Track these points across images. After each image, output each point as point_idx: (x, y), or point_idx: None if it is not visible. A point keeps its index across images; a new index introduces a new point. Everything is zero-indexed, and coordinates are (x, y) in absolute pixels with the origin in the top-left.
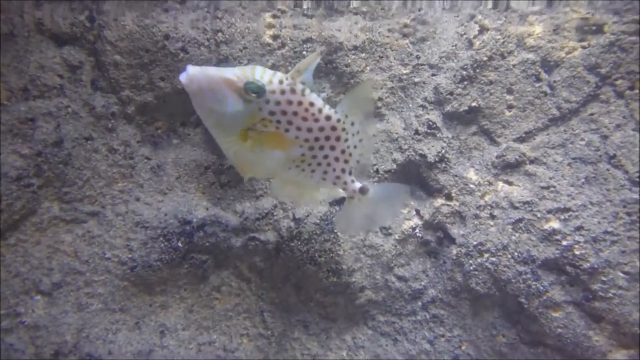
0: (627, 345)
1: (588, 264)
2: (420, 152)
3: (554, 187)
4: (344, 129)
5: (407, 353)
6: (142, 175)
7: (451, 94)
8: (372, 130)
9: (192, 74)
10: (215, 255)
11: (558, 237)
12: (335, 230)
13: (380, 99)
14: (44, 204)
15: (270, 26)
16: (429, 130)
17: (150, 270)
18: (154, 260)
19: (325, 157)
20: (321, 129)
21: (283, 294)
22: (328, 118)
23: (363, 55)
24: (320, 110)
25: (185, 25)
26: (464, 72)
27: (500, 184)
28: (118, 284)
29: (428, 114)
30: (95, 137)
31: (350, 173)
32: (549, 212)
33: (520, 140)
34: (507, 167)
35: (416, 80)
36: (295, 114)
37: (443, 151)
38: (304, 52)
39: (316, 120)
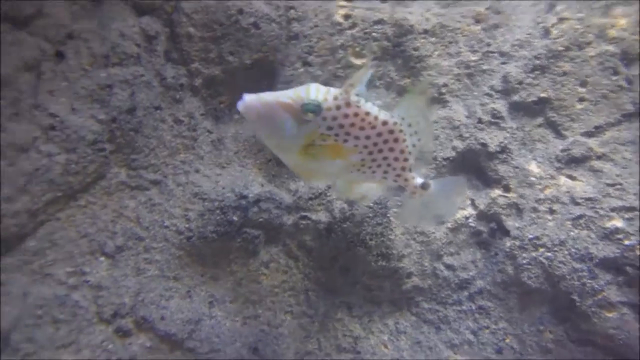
0: None
1: None
2: (482, 141)
3: (621, 184)
4: (401, 131)
5: (449, 342)
6: (203, 147)
7: (520, 83)
8: (430, 129)
9: (248, 102)
10: (267, 232)
11: (620, 236)
12: (388, 215)
13: (445, 85)
14: (113, 169)
15: (342, 6)
16: (492, 120)
17: (205, 242)
18: (209, 232)
19: (385, 158)
20: (379, 135)
21: (330, 275)
22: (384, 123)
23: (433, 39)
24: (376, 118)
25: (259, 1)
26: (537, 62)
27: (563, 178)
28: (174, 253)
29: (494, 102)
30: (164, 107)
31: (410, 170)
32: (613, 210)
33: (589, 134)
34: (572, 162)
35: (484, 67)
36: (352, 125)
37: (505, 141)
38: (374, 34)
39: (373, 127)
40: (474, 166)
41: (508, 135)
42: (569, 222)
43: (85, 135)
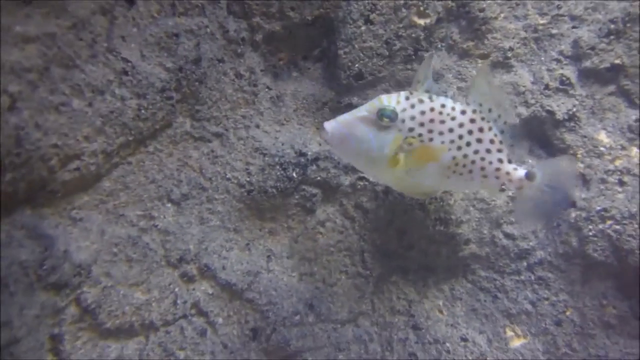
0: None
1: None
2: (549, 108)
3: None
4: (483, 118)
5: (506, 311)
6: (263, 103)
7: (593, 48)
8: (512, 114)
9: (330, 127)
10: (324, 190)
11: None
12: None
13: (510, 49)
14: (179, 119)
15: None
16: (560, 86)
17: (265, 196)
18: (269, 187)
19: (476, 152)
20: (461, 125)
21: (385, 237)
22: (463, 112)
23: (499, 0)
24: (453, 109)
25: None
26: (612, 26)
27: (635, 149)
28: (235, 205)
29: (562, 68)
30: (226, 60)
31: (509, 161)
32: None
33: None
34: None
35: (554, 31)
36: (431, 121)
37: (574, 109)
38: None
39: (453, 118)
40: (538, 134)
41: (577, 102)
42: (639, 195)
43: (155, 82)
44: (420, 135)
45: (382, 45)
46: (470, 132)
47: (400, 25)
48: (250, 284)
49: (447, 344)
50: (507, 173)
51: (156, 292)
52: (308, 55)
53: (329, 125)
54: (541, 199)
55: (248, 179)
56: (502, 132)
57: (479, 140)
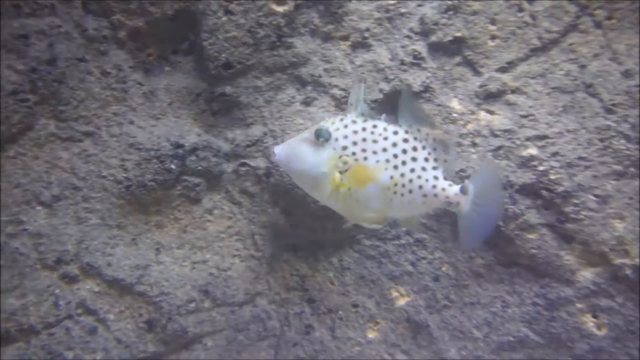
0: (595, 264)
1: (562, 188)
2: (406, 81)
3: (533, 115)
4: (415, 138)
5: (390, 274)
6: (135, 99)
7: (436, 24)
8: (439, 131)
9: (278, 150)
10: (207, 179)
11: (535, 163)
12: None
13: (367, 29)
14: (41, 121)
15: None
16: (414, 61)
17: (144, 190)
18: (148, 181)
19: (412, 170)
20: (394, 145)
21: (273, 218)
22: (396, 133)
23: None
24: (385, 129)
25: None
26: (449, 2)
27: (482, 113)
28: (114, 202)
29: (414, 44)
30: (89, 59)
31: (445, 178)
32: (528, 139)
33: (502, 70)
34: (489, 97)
35: (402, 10)
36: (364, 140)
37: (428, 81)
38: None
39: (385, 138)
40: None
41: (430, 75)
42: (489, 154)
43: (4, 85)
44: (354, 153)
45: (246, 34)
46: (404, 152)
47: (260, 14)
48: (139, 278)
49: (340, 312)
50: (444, 189)
51: (32, 296)
52: (177, 49)
53: (277, 148)
54: (478, 211)
55: (125, 175)
56: (434, 149)
57: (414, 159)
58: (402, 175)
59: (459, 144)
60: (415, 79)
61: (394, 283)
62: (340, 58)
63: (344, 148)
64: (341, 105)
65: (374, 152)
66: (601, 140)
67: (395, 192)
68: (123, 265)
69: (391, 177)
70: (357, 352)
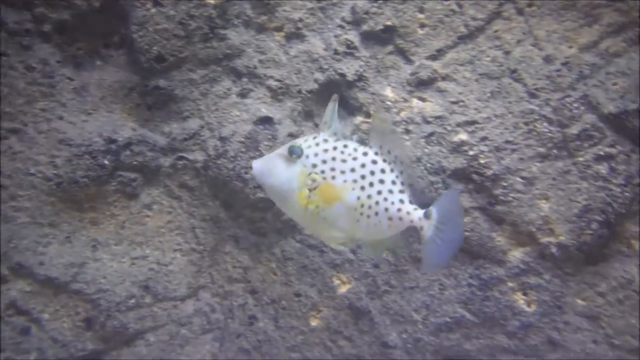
0: (524, 244)
1: (491, 172)
2: (340, 71)
3: (463, 101)
4: (384, 160)
5: (332, 262)
6: (64, 94)
7: (367, 13)
8: (408, 154)
9: (255, 165)
10: (144, 174)
11: (466, 148)
12: (260, 148)
13: (300, 19)
14: None
15: None
16: (347, 50)
17: (76, 187)
18: (80, 177)
19: (379, 192)
20: (363, 166)
21: (213, 211)
22: (365, 154)
23: None
24: (355, 149)
25: None
26: None
27: (415, 100)
28: (45, 199)
29: (346, 34)
30: (11, 53)
31: (410, 202)
32: (458, 125)
33: (432, 58)
34: (421, 84)
35: (334, 0)
36: (333, 159)
37: (361, 70)
38: None
39: (354, 158)
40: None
41: (363, 64)
42: (422, 140)
43: None
44: (322, 172)
45: (177, 26)
46: (372, 173)
47: (191, 5)
48: (75, 276)
49: (283, 302)
50: (408, 213)
51: None
52: (109, 43)
53: (255, 162)
54: (441, 236)
55: (55, 172)
56: (401, 172)
57: (381, 181)
58: (369, 196)
59: (394, 132)
60: (349, 68)
61: (335, 271)
62: (275, 49)
63: (314, 166)
64: (278, 96)
65: (342, 172)
66: (526, 123)
67: (361, 213)
68: (56, 264)
69: (358, 198)
70: (300, 340)
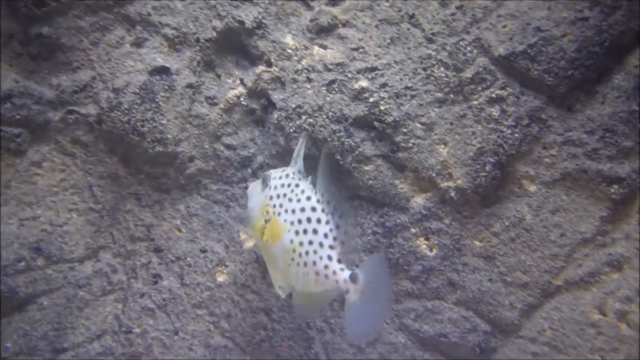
0: (425, 189)
1: (391, 118)
2: (239, 18)
3: (363, 48)
4: (323, 210)
5: (238, 217)
6: None
7: None
8: (348, 209)
9: (249, 185)
10: (31, 129)
11: (366, 95)
12: (157, 100)
13: None
14: None
15: None
16: None
17: None
18: None
19: (310, 243)
20: (302, 210)
21: (111, 168)
22: (308, 199)
23: None
24: (303, 191)
25: None
26: None
27: (316, 47)
28: None
29: None
30: None
31: (339, 261)
32: (359, 72)
33: (332, 3)
34: (321, 31)
35: None
36: (284, 195)
37: (260, 17)
38: None
39: (298, 200)
40: (238, 45)
41: (262, 10)
42: (324, 88)
43: None
44: (274, 206)
45: None
46: (309, 220)
47: None
48: None
49: (189, 259)
50: (334, 272)
51: None
52: None
53: (250, 184)
54: (366, 305)
55: None
56: (337, 227)
57: (315, 231)
58: (301, 243)
59: (295, 80)
60: (248, 15)
61: (242, 226)
62: None
63: (271, 198)
64: (175, 45)
65: (286, 211)
66: (424, 69)
67: (292, 259)
68: None
69: (291, 241)
70: (207, 297)
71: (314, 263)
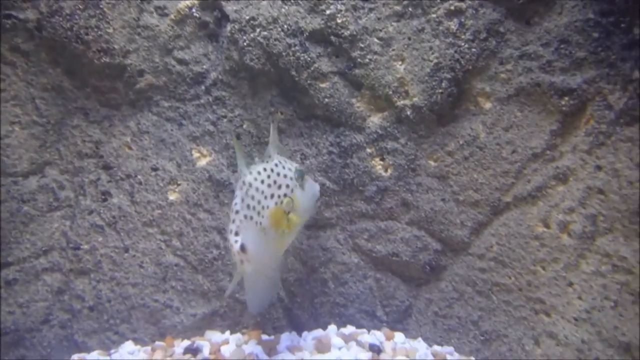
0: (381, 108)
1: (348, 32)
2: None
3: None
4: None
5: (191, 135)
6: None
7: None
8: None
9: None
10: None
11: (323, 7)
12: (102, 6)
13: None
14: None
15: None
16: None
17: None
18: None
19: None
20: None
21: (55, 79)
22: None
23: None
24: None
25: None
26: None
27: None
28: None
29: None
30: None
31: (236, 234)
32: None
33: None
34: None
35: None
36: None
37: None
38: None
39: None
40: None
41: None
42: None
43: None
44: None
45: None
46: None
47: None
48: None
49: (139, 177)
50: (232, 245)
51: None
52: None
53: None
54: (258, 272)
55: None
56: (243, 201)
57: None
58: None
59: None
60: None
61: (195, 144)
62: None
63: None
64: None
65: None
66: None
67: None
68: None
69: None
70: (158, 215)
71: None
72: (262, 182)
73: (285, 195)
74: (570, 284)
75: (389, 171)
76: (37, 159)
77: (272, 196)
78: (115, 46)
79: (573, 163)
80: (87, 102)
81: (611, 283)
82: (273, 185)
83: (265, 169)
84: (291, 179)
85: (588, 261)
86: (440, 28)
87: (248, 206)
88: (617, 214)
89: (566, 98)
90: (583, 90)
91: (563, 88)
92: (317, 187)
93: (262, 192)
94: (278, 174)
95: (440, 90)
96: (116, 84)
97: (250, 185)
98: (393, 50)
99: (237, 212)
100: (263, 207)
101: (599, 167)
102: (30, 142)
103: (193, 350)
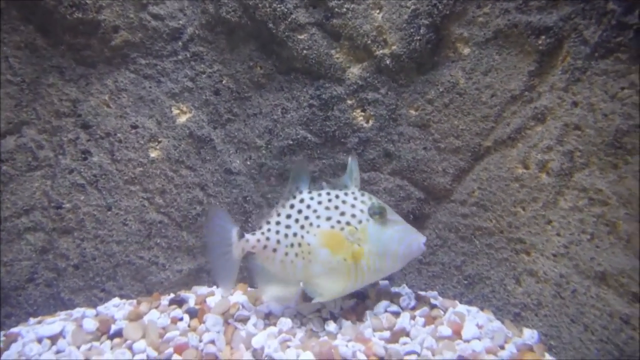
0: (361, 59)
1: None
2: None
3: None
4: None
5: (170, 92)
6: None
7: None
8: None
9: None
10: None
11: None
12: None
13: None
14: None
15: None
16: None
17: None
18: None
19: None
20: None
21: (28, 37)
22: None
23: None
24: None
25: None
26: None
27: None
28: None
29: None
30: None
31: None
32: None
33: None
34: None
35: None
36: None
37: None
38: None
39: None
40: None
41: None
42: None
43: None
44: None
45: None
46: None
47: None
48: None
49: (119, 135)
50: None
51: None
52: None
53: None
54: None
55: None
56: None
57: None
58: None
59: None
60: None
61: (174, 101)
62: None
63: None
64: None
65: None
66: None
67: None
68: None
69: None
70: (139, 172)
71: None
72: (320, 202)
73: (348, 223)
74: (549, 222)
75: (370, 122)
76: (14, 119)
77: (328, 219)
78: (88, 1)
79: (550, 102)
80: (62, 60)
81: (588, 216)
82: (333, 209)
83: (329, 193)
84: (361, 211)
85: (566, 197)
86: None
87: (289, 216)
88: (593, 148)
89: (543, 37)
90: (559, 28)
91: (540, 27)
92: (420, 239)
93: (315, 210)
94: (344, 202)
95: (418, 37)
96: (91, 41)
97: (302, 201)
98: None
99: (277, 222)
100: (311, 224)
101: (575, 104)
102: (5, 102)
103: (178, 302)
